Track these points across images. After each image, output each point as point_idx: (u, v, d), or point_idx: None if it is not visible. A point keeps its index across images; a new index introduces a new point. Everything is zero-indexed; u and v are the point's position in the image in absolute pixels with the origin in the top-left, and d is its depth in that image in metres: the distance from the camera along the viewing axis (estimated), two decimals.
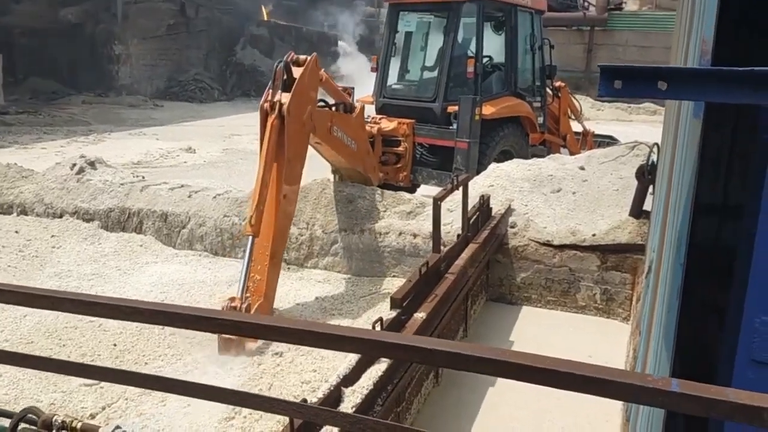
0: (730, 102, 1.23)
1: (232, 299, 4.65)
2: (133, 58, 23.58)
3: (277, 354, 4.63)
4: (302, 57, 5.27)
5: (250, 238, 4.80)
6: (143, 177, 8.03)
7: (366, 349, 1.33)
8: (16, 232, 6.99)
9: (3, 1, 23.65)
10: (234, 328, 1.44)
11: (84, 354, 4.59)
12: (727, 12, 1.45)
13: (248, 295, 4.75)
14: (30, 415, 1.58)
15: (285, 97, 4.94)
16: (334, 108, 6.02)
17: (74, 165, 7.54)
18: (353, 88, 6.50)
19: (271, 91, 5.01)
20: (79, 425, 1.51)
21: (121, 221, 7.00)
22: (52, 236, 6.92)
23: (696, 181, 1.67)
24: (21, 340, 4.90)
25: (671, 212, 2.28)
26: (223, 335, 4.48)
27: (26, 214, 7.40)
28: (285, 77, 5.04)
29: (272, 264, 4.96)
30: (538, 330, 5.38)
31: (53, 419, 1.53)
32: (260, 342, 4.71)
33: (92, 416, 3.81)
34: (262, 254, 4.93)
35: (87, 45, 23.10)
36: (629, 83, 1.35)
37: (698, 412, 1.06)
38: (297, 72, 5.13)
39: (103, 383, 4.18)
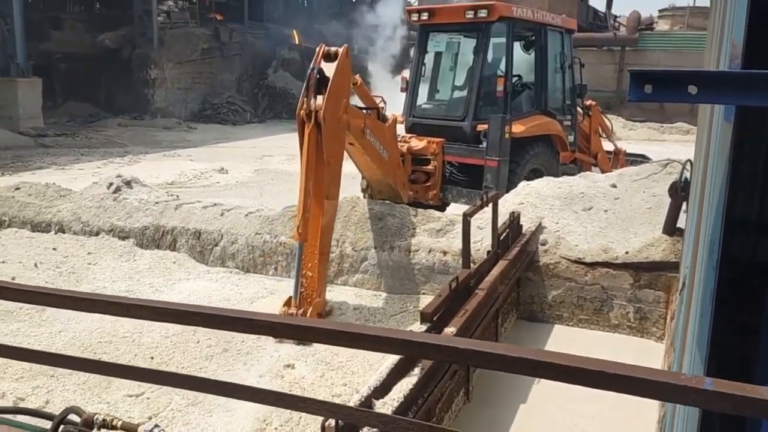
0: (759, 105, 1.23)
1: (288, 304, 5.15)
2: (168, 81, 24.12)
3: (289, 366, 4.69)
4: (333, 49, 5.39)
5: (299, 244, 5.21)
6: (177, 196, 8.18)
7: (401, 348, 1.34)
8: (54, 249, 7.16)
9: (43, 28, 24.49)
10: (270, 329, 1.47)
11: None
12: (757, 16, 1.45)
13: (302, 290, 5.23)
14: (72, 415, 1.62)
15: (320, 100, 5.08)
16: (366, 112, 6.14)
17: (111, 184, 7.72)
18: (384, 101, 6.58)
19: (305, 98, 5.14)
20: (119, 423, 1.55)
21: (155, 239, 7.13)
22: (89, 253, 7.07)
23: (728, 188, 1.66)
24: (56, 353, 5.02)
25: (704, 225, 2.26)
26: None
27: (64, 232, 7.58)
28: (318, 77, 5.16)
29: (321, 261, 5.36)
30: (570, 349, 5.31)
31: (94, 417, 1.57)
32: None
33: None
34: (312, 253, 5.30)
35: (124, 69, 23.72)
36: (659, 87, 1.36)
37: (732, 410, 1.06)
38: (329, 69, 5.23)
39: (148, 394, 4.25)
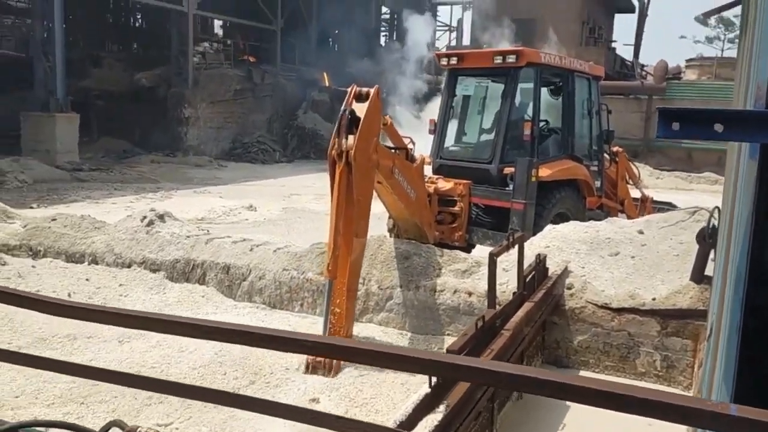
0: None
1: None
2: (201, 120, 24.71)
3: (314, 400, 4.71)
4: (365, 90, 5.54)
5: (328, 281, 5.32)
6: (208, 231, 8.34)
7: (437, 370, 1.40)
8: (87, 279, 7.31)
9: (83, 66, 25.35)
10: (310, 348, 1.54)
11: (151, 396, 4.72)
12: None
13: (330, 326, 5.31)
14: (115, 428, 1.69)
15: (351, 140, 5.20)
16: (395, 152, 6.27)
17: (144, 218, 7.91)
18: (413, 142, 6.71)
19: (336, 138, 5.27)
20: None
21: (185, 272, 7.26)
22: (120, 285, 7.21)
23: (753, 229, 1.71)
24: (86, 382, 5.05)
25: (730, 270, 2.29)
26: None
27: (97, 263, 7.75)
28: (350, 116, 5.30)
29: (349, 297, 5.46)
30: None
31: (137, 430, 1.64)
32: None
33: None
34: (340, 290, 5.38)
35: (158, 107, 24.38)
36: (686, 125, 1.43)
37: None
38: (360, 110, 5.36)
39: (177, 424, 4.31)
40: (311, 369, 5.14)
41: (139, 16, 36.91)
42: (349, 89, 5.58)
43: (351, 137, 5.24)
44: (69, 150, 19.69)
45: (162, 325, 1.72)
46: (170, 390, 1.80)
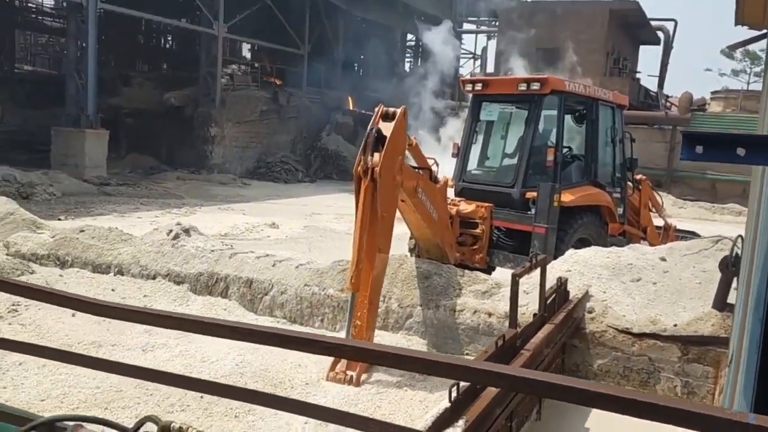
0: None
1: (335, 364, 5.32)
2: (227, 139, 25.08)
3: None
4: (392, 110, 5.67)
5: (351, 294, 5.42)
6: (231, 246, 8.46)
7: (463, 375, 1.46)
8: (113, 290, 7.45)
9: (113, 84, 25.92)
10: (338, 351, 1.61)
11: (172, 404, 4.79)
12: None
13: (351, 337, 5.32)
14: (148, 422, 1.75)
15: (376, 158, 5.32)
16: (419, 172, 6.37)
17: (170, 231, 8.06)
18: (437, 163, 6.80)
19: (362, 156, 5.38)
20: None
21: (209, 285, 7.37)
22: (145, 296, 7.33)
23: None
24: (111, 388, 5.17)
25: (751, 292, 2.32)
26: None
27: (123, 274, 7.89)
28: (376, 135, 5.42)
29: (371, 310, 5.59)
30: (616, 422, 5.23)
31: (171, 425, 1.71)
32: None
33: None
34: (362, 303, 5.48)
35: (185, 126, 24.80)
36: (710, 148, 1.48)
37: None
38: (387, 129, 5.49)
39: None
40: (334, 379, 5.28)
41: (169, 38, 37.76)
42: (376, 109, 5.70)
43: (377, 155, 5.35)
44: (97, 165, 20.07)
45: (200, 327, 1.80)
46: (197, 387, 1.87)
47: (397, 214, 6.10)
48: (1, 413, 1.84)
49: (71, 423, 1.75)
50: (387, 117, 5.63)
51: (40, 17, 35.85)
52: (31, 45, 40.16)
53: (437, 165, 6.73)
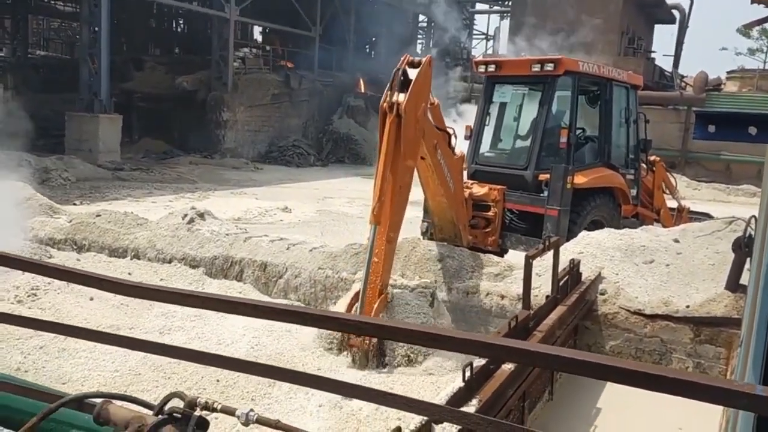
0: None
1: (356, 298, 5.56)
2: (239, 123, 25.13)
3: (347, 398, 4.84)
4: (417, 59, 5.83)
5: (373, 227, 5.55)
6: (246, 230, 8.54)
7: (485, 350, 1.50)
8: (129, 274, 7.55)
9: (126, 69, 25.99)
10: (356, 328, 1.65)
11: (189, 387, 4.88)
12: None
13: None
14: (175, 398, 1.80)
15: (402, 98, 5.52)
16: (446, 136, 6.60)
17: (185, 215, 8.14)
18: (455, 134, 6.89)
19: (389, 92, 5.58)
20: (219, 406, 1.74)
21: (224, 269, 7.46)
22: (161, 280, 7.43)
23: None
24: (129, 371, 5.28)
25: (762, 272, 2.33)
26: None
27: (139, 259, 7.99)
28: (402, 78, 5.63)
29: (389, 247, 5.66)
30: (627, 399, 5.28)
31: (197, 400, 1.76)
32: None
33: None
34: (381, 239, 5.58)
35: (198, 110, 24.86)
36: (722, 128, 1.51)
37: None
38: (412, 74, 5.66)
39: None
40: (346, 348, 5.49)
41: (181, 22, 37.73)
42: (402, 58, 5.88)
43: (402, 95, 5.54)
44: (111, 150, 20.20)
45: (223, 306, 1.85)
46: (217, 362, 1.93)
47: (415, 178, 6.21)
48: (33, 391, 1.91)
49: (99, 399, 1.81)
50: (413, 65, 5.78)
51: (53, 2, 35.92)
52: (44, 30, 40.27)
53: (455, 137, 6.79)
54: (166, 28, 37.83)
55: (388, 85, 5.67)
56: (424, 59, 5.85)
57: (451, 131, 6.74)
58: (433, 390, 5.03)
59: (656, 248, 6.57)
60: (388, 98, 5.58)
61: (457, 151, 6.94)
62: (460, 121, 10.71)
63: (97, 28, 20.13)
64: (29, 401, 1.81)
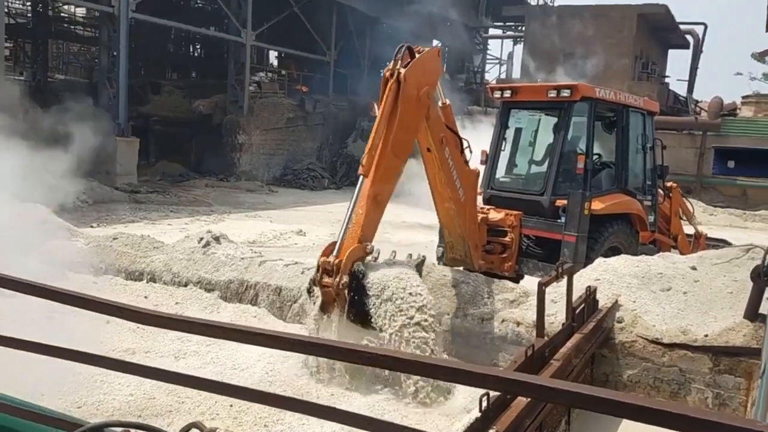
0: None
1: (327, 252, 5.53)
2: (254, 147, 25.33)
3: None
4: (425, 48, 6.29)
5: (361, 178, 5.78)
6: (261, 254, 8.56)
7: (499, 385, 1.50)
8: (145, 297, 7.59)
9: (144, 92, 26.35)
10: (377, 361, 1.65)
11: (203, 412, 4.88)
12: None
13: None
14: (194, 429, 1.80)
15: (404, 69, 5.83)
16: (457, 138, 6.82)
17: (201, 239, 8.19)
18: (470, 146, 7.02)
19: (392, 63, 5.89)
20: None
21: (239, 293, 7.48)
22: (176, 303, 7.46)
23: None
24: (144, 395, 5.28)
25: None
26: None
27: (155, 282, 8.03)
28: (408, 52, 6.01)
29: (373, 205, 5.71)
30: (645, 430, 5.20)
31: (216, 431, 1.76)
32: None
33: None
34: (364, 193, 5.74)
35: (214, 134, 25.11)
36: (741, 163, 1.51)
37: None
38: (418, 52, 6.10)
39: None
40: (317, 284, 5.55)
41: (198, 46, 38.27)
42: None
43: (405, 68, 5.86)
44: (128, 172, 20.40)
45: (244, 336, 1.86)
46: (227, 391, 1.93)
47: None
48: (51, 418, 1.91)
49: (119, 429, 1.81)
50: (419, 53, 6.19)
51: (73, 27, 36.59)
52: (63, 54, 40.98)
53: (470, 150, 6.90)
54: (184, 52, 38.39)
55: (393, 59, 6.01)
56: (433, 48, 6.33)
57: (466, 144, 6.88)
58: (447, 421, 4.98)
59: (673, 275, 6.50)
60: (391, 67, 5.92)
61: (472, 165, 7.07)
62: (475, 132, 10.84)
63: (115, 53, 20.46)
64: (32, 425, 1.81)
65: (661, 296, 6.19)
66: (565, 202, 7.67)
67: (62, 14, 35.53)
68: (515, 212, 8.03)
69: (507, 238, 8.00)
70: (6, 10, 25.48)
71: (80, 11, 35.40)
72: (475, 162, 8.62)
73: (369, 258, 5.65)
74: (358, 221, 5.58)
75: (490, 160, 8.69)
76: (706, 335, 5.40)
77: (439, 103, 6.67)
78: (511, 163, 9.00)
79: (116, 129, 20.30)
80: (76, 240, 9.36)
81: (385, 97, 5.85)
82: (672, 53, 36.84)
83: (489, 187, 8.63)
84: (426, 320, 5.36)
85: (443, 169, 6.48)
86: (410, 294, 5.38)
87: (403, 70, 5.81)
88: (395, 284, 5.39)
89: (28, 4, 32.60)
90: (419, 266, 5.96)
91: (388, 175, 5.94)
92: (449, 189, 6.64)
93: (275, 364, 6.09)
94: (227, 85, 25.68)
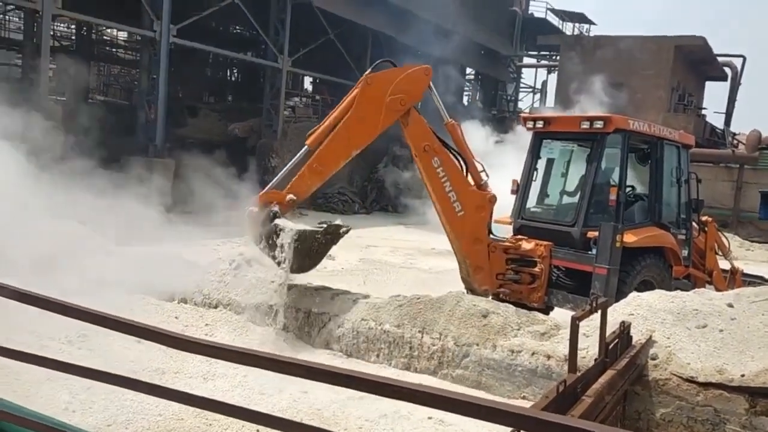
0: None
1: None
2: None
3: None
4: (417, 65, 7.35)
5: (306, 147, 7.13)
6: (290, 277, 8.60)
7: (527, 424, 1.49)
8: (176, 317, 7.68)
9: (181, 115, 26.88)
10: (410, 395, 1.65)
11: None
12: None
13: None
14: None
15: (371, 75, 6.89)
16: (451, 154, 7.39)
17: (233, 261, 8.28)
18: (486, 172, 7.26)
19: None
20: None
21: (268, 316, 7.51)
22: (206, 324, 7.52)
23: None
24: (173, 416, 5.32)
25: None
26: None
27: (186, 303, 8.12)
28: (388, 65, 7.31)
29: (311, 171, 7.08)
30: None
31: None
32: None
33: None
34: (309, 163, 7.10)
35: (247, 156, 25.44)
36: None
37: None
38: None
39: None
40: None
41: (235, 71, 39.03)
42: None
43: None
44: (164, 193, 20.75)
45: (276, 366, 1.88)
46: (249, 417, 1.94)
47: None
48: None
49: None
50: None
51: (114, 50, 37.63)
52: (104, 76, 42.11)
53: (487, 175, 7.13)
54: (221, 76, 39.15)
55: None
56: (420, 66, 7.20)
57: (481, 168, 7.19)
58: None
59: (709, 312, 6.36)
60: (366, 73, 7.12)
61: (489, 189, 7.33)
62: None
63: (155, 76, 20.96)
64: None
65: (696, 333, 6.05)
66: (596, 233, 7.58)
67: (105, 37, 36.58)
68: (545, 243, 7.97)
69: (537, 269, 7.94)
70: (51, 32, 26.30)
71: (122, 35, 36.44)
72: (505, 191, 8.64)
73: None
74: (294, 172, 7.07)
75: (522, 189, 8.65)
76: (743, 375, 5.26)
77: (445, 121, 7.55)
78: (543, 194, 8.95)
79: (153, 150, 20.72)
80: (111, 258, 9.52)
81: (351, 92, 7.16)
82: (710, 85, 36.47)
83: (520, 217, 8.59)
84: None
85: (430, 178, 6.87)
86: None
87: (370, 75, 7.03)
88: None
89: (73, 27, 33.59)
90: (331, 229, 7.16)
91: (335, 152, 7.09)
92: (439, 203, 7.17)
93: (304, 393, 6.08)
94: (262, 109, 26.07)
